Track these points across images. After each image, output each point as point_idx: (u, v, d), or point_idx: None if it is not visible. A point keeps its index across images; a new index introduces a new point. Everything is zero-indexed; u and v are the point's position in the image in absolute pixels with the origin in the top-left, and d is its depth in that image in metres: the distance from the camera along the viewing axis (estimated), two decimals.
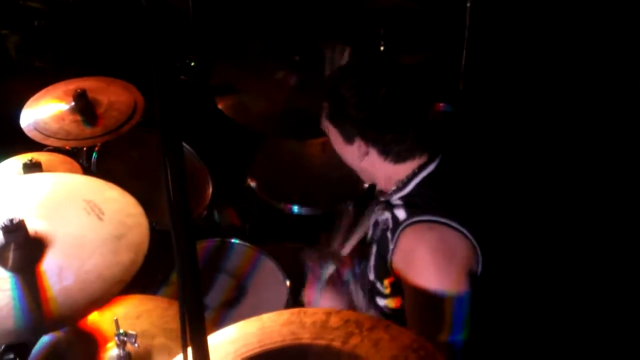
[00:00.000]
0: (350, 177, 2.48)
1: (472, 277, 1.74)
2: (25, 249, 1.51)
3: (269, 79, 2.86)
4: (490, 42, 3.24)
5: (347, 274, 2.32)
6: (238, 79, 2.85)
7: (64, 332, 1.79)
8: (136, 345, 1.64)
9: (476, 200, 1.88)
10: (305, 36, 2.89)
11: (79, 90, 2.39)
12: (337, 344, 1.18)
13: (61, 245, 1.53)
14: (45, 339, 1.78)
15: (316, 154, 3.00)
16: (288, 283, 2.25)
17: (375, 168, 1.86)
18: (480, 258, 1.75)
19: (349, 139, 1.84)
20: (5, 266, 1.49)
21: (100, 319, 1.79)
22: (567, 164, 3.16)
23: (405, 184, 1.83)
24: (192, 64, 3.29)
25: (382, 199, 1.92)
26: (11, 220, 1.49)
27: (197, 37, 3.16)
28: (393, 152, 1.81)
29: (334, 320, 1.23)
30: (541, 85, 3.44)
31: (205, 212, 2.68)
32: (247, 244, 2.41)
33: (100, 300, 1.43)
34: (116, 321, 1.63)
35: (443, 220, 1.73)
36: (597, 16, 3.33)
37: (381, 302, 1.94)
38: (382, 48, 2.88)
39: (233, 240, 2.42)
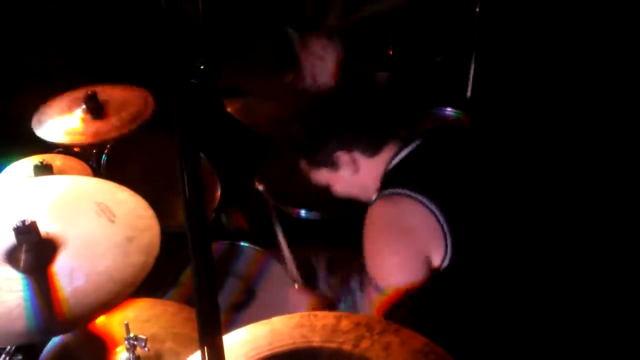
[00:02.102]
0: None
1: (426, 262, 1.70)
2: (37, 250, 1.51)
3: (278, 82, 2.87)
4: (500, 47, 3.24)
5: (354, 284, 2.33)
6: (247, 82, 2.86)
7: (74, 335, 1.79)
8: (146, 349, 1.64)
9: (454, 183, 1.83)
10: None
11: (90, 92, 2.41)
12: (347, 347, 1.19)
13: (72, 247, 1.53)
14: (54, 342, 1.79)
15: None
16: (297, 286, 2.25)
17: (367, 172, 1.89)
18: (447, 235, 1.67)
19: (334, 164, 1.88)
20: (17, 267, 1.50)
21: (110, 323, 1.79)
22: (571, 167, 3.16)
23: (386, 170, 1.86)
24: (202, 67, 3.29)
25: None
26: (23, 222, 1.50)
27: (206, 40, 3.17)
28: (371, 144, 1.86)
29: (345, 324, 1.23)
30: (550, 91, 3.44)
31: (213, 215, 2.69)
32: (256, 247, 2.41)
33: (112, 302, 1.43)
34: (126, 325, 1.63)
35: (405, 192, 1.71)
36: (609, 22, 3.33)
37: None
38: (390, 53, 2.88)
39: (242, 244, 2.42)
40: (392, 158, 1.86)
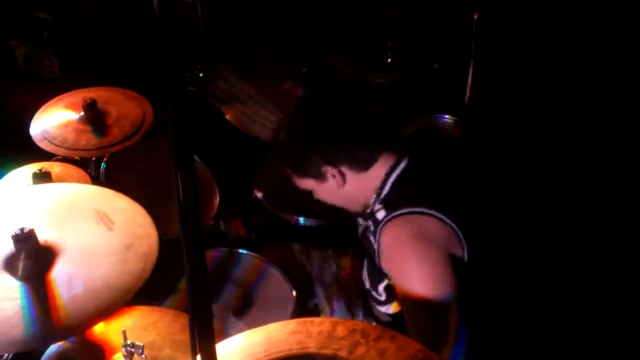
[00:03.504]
0: None
1: (457, 264, 1.72)
2: (35, 258, 1.52)
3: (277, 90, 2.88)
4: (498, 54, 3.25)
5: (346, 280, 2.34)
6: (246, 89, 2.88)
7: (72, 342, 1.79)
8: (143, 356, 1.65)
9: (454, 191, 1.88)
10: (313, 48, 2.90)
11: (88, 100, 2.41)
12: (343, 353, 1.19)
13: (71, 254, 1.54)
14: (52, 349, 1.79)
15: None
16: (294, 293, 2.26)
17: (356, 187, 1.88)
18: (464, 244, 1.74)
19: (320, 176, 1.87)
20: (15, 275, 1.50)
21: (107, 330, 1.79)
22: (576, 170, 3.17)
23: (381, 188, 1.85)
24: (201, 74, 3.31)
25: (367, 211, 1.93)
26: (22, 230, 1.50)
27: (205, 48, 3.19)
28: (360, 159, 1.84)
29: (341, 330, 1.24)
30: (550, 96, 3.45)
31: (212, 222, 2.69)
32: (254, 254, 2.42)
33: (109, 309, 1.43)
34: (124, 332, 1.64)
35: (420, 209, 1.73)
36: (609, 26, 3.35)
37: (381, 309, 1.94)
38: (389, 60, 2.90)
39: (240, 251, 2.43)
40: (389, 174, 1.85)
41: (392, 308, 1.90)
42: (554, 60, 3.46)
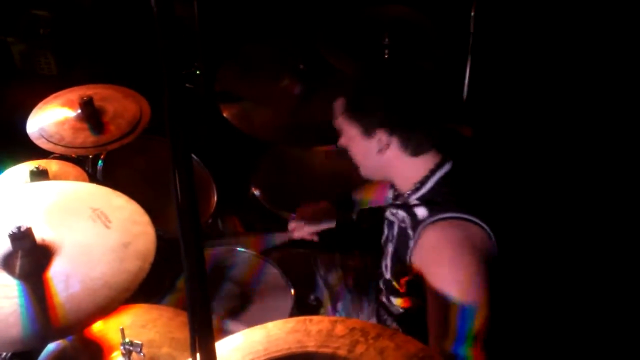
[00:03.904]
0: (354, 186, 2.50)
1: (491, 270, 1.74)
2: (33, 256, 1.51)
3: (274, 87, 2.87)
4: (495, 52, 3.25)
5: (352, 283, 2.34)
6: (243, 87, 2.87)
7: (70, 341, 1.79)
8: (142, 354, 1.64)
9: (492, 199, 1.89)
10: (310, 45, 2.90)
11: (85, 98, 2.40)
12: (342, 352, 1.19)
13: (68, 252, 1.53)
14: (50, 348, 1.79)
15: (320, 162, 3.01)
16: (293, 291, 2.26)
17: (393, 164, 1.86)
18: (497, 250, 1.77)
19: (369, 132, 1.83)
20: (12, 274, 1.50)
21: (105, 328, 1.79)
22: (574, 168, 3.18)
23: (422, 183, 1.84)
24: (198, 72, 3.30)
25: (397, 202, 1.93)
26: (19, 228, 1.50)
27: (202, 45, 3.18)
28: (412, 144, 1.82)
29: (340, 329, 1.24)
30: (546, 93, 3.45)
31: (209, 220, 2.69)
32: (252, 252, 2.41)
33: (107, 308, 1.43)
34: (122, 330, 1.63)
35: (464, 215, 1.74)
36: (605, 24, 3.35)
37: (397, 300, 1.95)
38: (386, 57, 2.89)
39: (238, 249, 2.42)
40: (433, 172, 1.84)
41: (408, 302, 1.90)
42: (551, 58, 3.46)
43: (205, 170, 2.75)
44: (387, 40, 2.87)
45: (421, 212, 1.80)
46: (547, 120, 3.38)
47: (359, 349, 1.19)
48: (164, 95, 0.79)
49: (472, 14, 2.80)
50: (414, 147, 1.82)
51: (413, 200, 1.85)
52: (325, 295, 2.34)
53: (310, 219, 2.38)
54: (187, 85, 3.36)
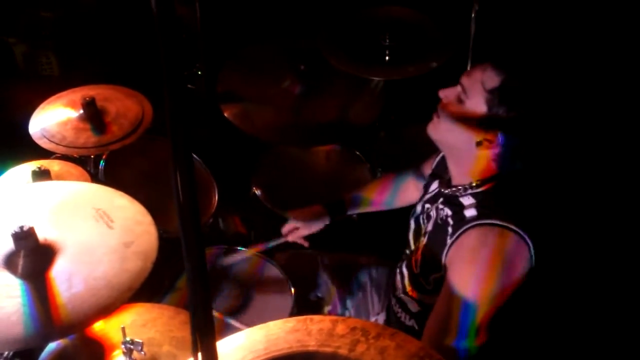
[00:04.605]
0: (354, 185, 2.51)
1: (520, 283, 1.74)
2: (35, 256, 1.52)
3: (275, 88, 2.88)
4: (496, 52, 3.25)
5: (364, 276, 2.34)
6: (244, 87, 2.88)
7: (71, 339, 1.80)
8: (143, 353, 1.65)
9: (542, 213, 1.87)
10: (311, 46, 2.90)
11: (87, 98, 2.40)
12: (343, 351, 1.19)
13: (71, 252, 1.54)
14: (52, 347, 1.80)
15: (321, 162, 3.02)
16: (293, 290, 2.26)
17: (475, 157, 1.82)
18: (534, 263, 1.75)
19: (488, 124, 1.76)
20: (15, 273, 1.51)
21: (107, 327, 1.80)
22: (574, 168, 3.18)
23: (483, 182, 1.82)
24: (199, 72, 3.31)
25: (446, 191, 1.91)
26: (21, 228, 1.51)
27: (204, 46, 3.18)
28: (510, 158, 1.80)
29: (340, 328, 1.24)
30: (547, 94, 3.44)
31: (210, 220, 2.70)
32: (252, 251, 2.42)
33: (109, 307, 1.44)
34: (123, 329, 1.64)
35: (511, 226, 1.72)
36: (606, 24, 3.35)
37: (421, 297, 1.96)
38: (386, 58, 2.89)
39: (239, 248, 2.43)
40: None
41: (432, 299, 1.89)
42: (553, 57, 3.46)
43: (206, 170, 2.75)
44: (387, 40, 2.88)
45: (470, 212, 1.79)
46: (549, 119, 3.37)
47: (360, 348, 1.19)
48: (165, 95, 0.79)
49: (473, 15, 2.80)
50: (510, 161, 1.81)
51: (466, 198, 1.83)
52: (327, 293, 2.35)
53: (303, 222, 2.37)
54: (188, 86, 3.37)
